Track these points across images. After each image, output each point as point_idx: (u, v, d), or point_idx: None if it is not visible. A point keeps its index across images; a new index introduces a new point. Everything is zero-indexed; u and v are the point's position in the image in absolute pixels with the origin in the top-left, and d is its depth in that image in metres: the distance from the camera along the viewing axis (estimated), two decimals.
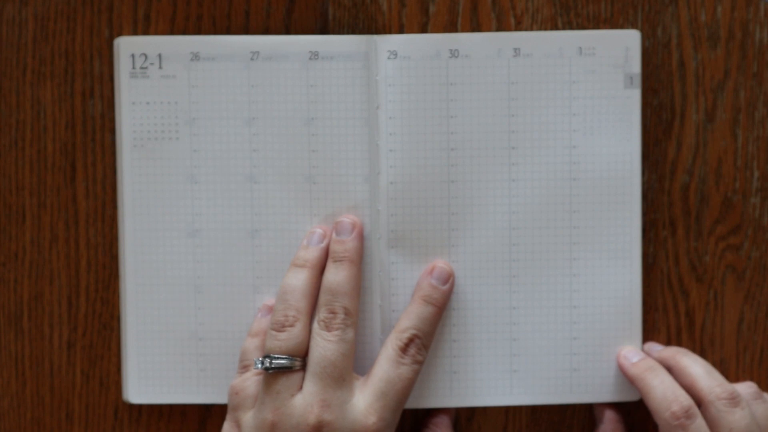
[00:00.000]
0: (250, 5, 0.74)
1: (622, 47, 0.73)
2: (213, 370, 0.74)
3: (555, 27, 0.74)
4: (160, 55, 0.73)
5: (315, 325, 0.70)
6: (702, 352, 0.75)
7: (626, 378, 0.74)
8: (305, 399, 0.68)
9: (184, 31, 0.74)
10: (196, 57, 0.73)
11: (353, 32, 0.74)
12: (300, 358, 0.69)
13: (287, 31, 0.74)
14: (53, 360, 0.76)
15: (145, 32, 0.74)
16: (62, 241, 0.75)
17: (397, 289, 0.74)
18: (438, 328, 0.74)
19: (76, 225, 0.75)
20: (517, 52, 0.73)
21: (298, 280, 0.70)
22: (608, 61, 0.73)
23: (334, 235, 0.73)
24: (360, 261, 0.72)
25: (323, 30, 0.74)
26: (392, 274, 0.74)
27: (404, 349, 0.70)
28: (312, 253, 0.72)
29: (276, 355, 0.69)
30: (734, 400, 0.70)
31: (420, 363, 0.71)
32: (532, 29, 0.74)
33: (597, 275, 0.74)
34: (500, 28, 0.74)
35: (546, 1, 0.74)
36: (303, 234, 0.73)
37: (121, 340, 0.75)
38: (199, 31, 0.74)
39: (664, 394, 0.71)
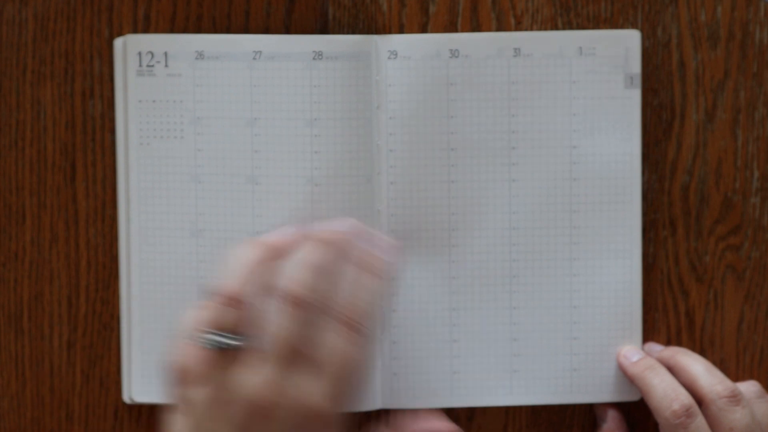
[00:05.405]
0: (250, 5, 0.74)
1: (622, 47, 0.74)
2: None
3: (555, 27, 0.74)
4: (166, 54, 0.73)
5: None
6: (702, 352, 0.75)
7: (626, 377, 0.74)
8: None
9: (184, 31, 0.74)
10: (200, 56, 0.73)
11: (353, 32, 0.74)
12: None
13: (287, 31, 0.74)
14: (53, 360, 0.76)
15: (145, 32, 0.74)
16: (62, 241, 0.75)
17: (397, 289, 0.74)
18: (438, 328, 0.74)
19: (76, 225, 0.75)
20: (517, 52, 0.74)
21: None
22: (608, 61, 0.74)
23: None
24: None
25: (323, 30, 0.74)
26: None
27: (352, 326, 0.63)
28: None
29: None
30: (735, 398, 0.70)
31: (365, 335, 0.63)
32: (532, 29, 0.74)
33: (597, 275, 0.74)
34: (500, 28, 0.74)
35: (546, 1, 0.74)
36: None
37: (123, 339, 0.75)
38: (199, 31, 0.74)
39: (665, 393, 0.71)
